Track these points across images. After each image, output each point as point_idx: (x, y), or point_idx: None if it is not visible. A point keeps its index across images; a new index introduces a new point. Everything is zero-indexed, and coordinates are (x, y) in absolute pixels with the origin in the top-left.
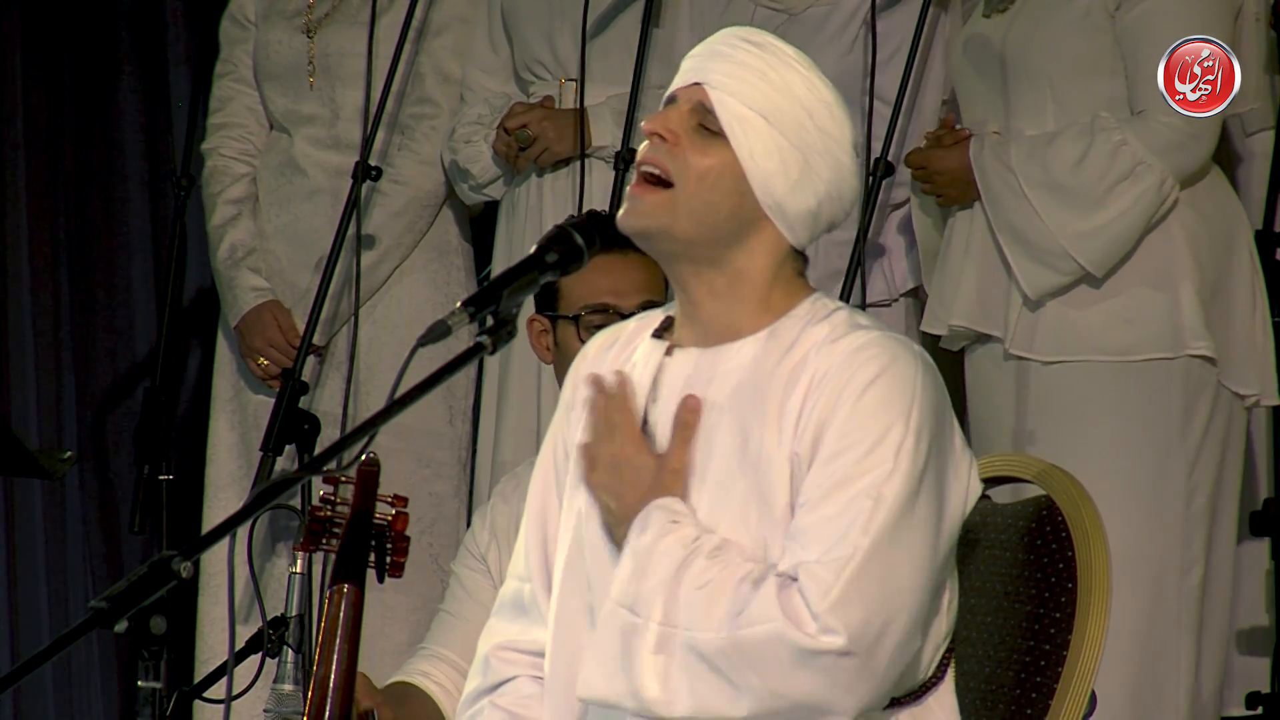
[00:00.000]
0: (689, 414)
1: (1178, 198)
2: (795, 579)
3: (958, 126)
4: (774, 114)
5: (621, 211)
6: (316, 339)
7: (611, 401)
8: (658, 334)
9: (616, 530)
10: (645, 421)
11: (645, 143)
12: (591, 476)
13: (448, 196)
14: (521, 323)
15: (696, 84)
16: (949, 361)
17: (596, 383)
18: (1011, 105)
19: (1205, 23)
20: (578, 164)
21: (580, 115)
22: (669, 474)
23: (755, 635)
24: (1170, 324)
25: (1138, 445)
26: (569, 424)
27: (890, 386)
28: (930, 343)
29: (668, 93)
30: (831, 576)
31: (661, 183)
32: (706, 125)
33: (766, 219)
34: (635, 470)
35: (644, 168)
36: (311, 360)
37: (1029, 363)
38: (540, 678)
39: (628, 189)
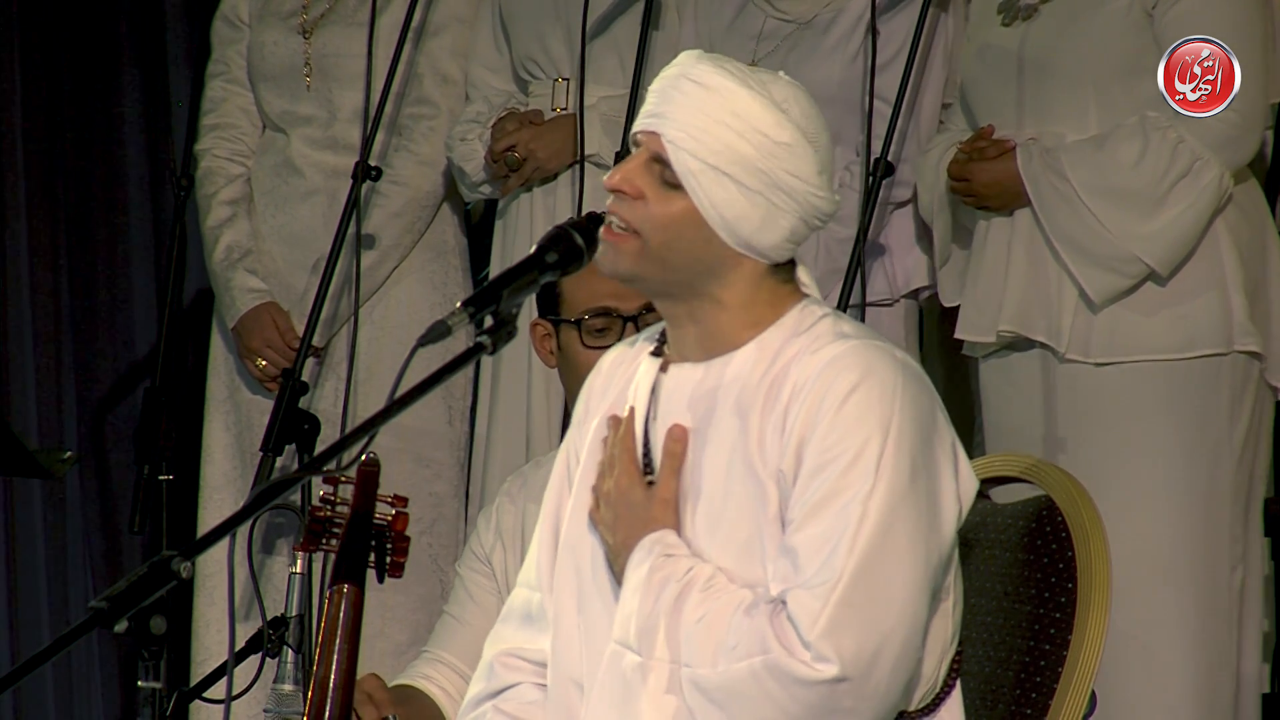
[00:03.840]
0: (676, 443)
1: (1231, 192)
2: (786, 604)
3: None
4: (731, 164)
5: (599, 254)
6: (315, 340)
7: (614, 438)
8: (656, 351)
9: (615, 563)
10: (646, 441)
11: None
12: (594, 512)
13: (446, 197)
14: (524, 326)
15: (655, 133)
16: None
17: (614, 423)
18: (1047, 110)
19: (1242, 21)
20: (569, 171)
21: (579, 119)
22: (659, 505)
23: (751, 668)
24: (1222, 320)
25: (1190, 444)
26: (580, 437)
27: (868, 397)
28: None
29: (633, 130)
30: (820, 603)
31: (631, 231)
32: (665, 179)
33: (740, 253)
34: (629, 504)
35: (611, 220)
36: (309, 361)
37: (1076, 367)
38: (544, 684)
39: (600, 233)
